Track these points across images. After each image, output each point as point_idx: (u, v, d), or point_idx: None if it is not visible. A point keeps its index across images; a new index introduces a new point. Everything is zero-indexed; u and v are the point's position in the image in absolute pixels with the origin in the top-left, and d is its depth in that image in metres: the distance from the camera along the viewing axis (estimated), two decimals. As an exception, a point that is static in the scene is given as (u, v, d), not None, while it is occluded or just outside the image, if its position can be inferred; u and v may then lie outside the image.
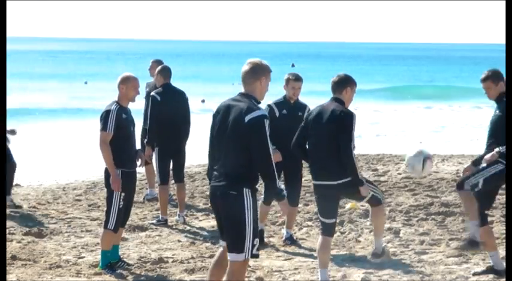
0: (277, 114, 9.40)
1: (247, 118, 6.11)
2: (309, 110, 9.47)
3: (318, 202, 7.79)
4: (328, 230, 7.74)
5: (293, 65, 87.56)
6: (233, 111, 6.24)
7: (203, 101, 38.90)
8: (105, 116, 8.13)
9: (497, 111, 8.21)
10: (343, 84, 7.76)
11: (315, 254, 9.16)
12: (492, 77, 8.23)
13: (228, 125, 6.23)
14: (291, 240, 9.69)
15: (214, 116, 6.38)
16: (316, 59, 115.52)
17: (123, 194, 8.22)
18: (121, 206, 8.24)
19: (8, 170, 11.34)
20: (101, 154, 8.20)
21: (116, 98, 8.32)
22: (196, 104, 43.09)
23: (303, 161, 9.47)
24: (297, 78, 9.44)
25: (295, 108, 9.46)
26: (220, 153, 6.25)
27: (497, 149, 8.02)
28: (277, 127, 9.38)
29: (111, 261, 8.40)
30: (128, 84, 8.27)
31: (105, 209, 11.81)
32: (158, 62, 12.25)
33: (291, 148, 7.96)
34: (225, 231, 6.33)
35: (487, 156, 8.10)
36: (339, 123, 7.48)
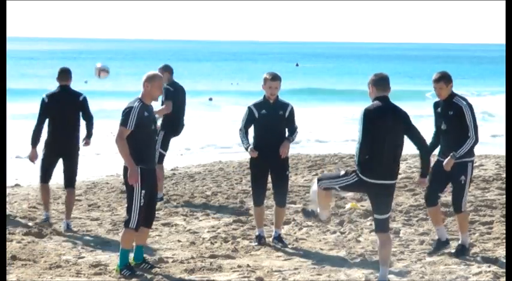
0: (256, 115, 9.41)
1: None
2: (292, 108, 9.50)
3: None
4: (386, 226, 7.86)
5: (297, 65, 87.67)
6: None
7: (210, 99, 38.88)
8: (127, 112, 8.06)
9: (451, 112, 8.87)
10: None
11: (314, 254, 9.19)
12: (445, 78, 8.90)
13: None
14: (278, 239, 9.66)
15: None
16: (320, 59, 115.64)
17: (143, 191, 8.11)
18: (142, 204, 8.13)
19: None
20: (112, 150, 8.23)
21: (139, 95, 8.25)
22: (203, 102, 43.30)
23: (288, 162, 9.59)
24: (274, 78, 9.38)
25: (276, 107, 9.44)
26: None
27: (453, 154, 8.80)
28: (258, 127, 9.42)
29: (136, 262, 8.38)
30: (153, 83, 8.20)
31: (105, 209, 11.92)
32: (165, 68, 12.44)
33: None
34: None
35: (445, 163, 8.88)
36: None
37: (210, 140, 22.63)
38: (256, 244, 9.60)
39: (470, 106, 8.88)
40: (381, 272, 7.87)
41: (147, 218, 8.34)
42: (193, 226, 10.80)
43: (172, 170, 16.18)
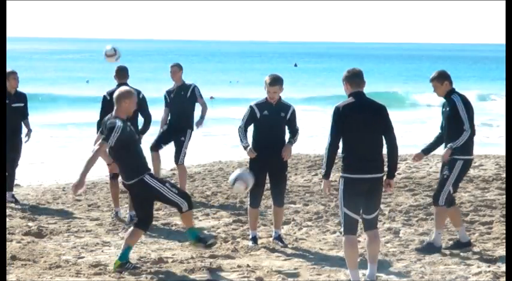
0: (258, 115, 9.40)
1: None
2: (293, 110, 9.49)
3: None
4: (374, 223, 7.77)
5: (296, 65, 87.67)
6: None
7: (212, 97, 38.86)
8: (110, 128, 8.16)
9: (447, 108, 9.01)
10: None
11: (314, 254, 9.18)
12: (438, 77, 9.04)
13: None
14: (278, 240, 9.67)
15: None
16: (319, 59, 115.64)
17: None
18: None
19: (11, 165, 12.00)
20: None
21: (113, 112, 8.33)
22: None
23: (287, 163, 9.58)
24: (273, 83, 9.34)
25: (277, 108, 9.44)
26: None
27: (450, 145, 8.90)
28: (259, 127, 9.43)
29: (121, 261, 8.41)
30: (132, 99, 8.36)
31: (105, 209, 11.92)
32: (177, 66, 12.53)
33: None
34: None
35: (443, 153, 8.98)
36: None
37: (210, 140, 22.65)
38: (253, 244, 9.60)
39: (464, 101, 8.99)
40: (369, 270, 7.79)
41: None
42: (193, 226, 10.79)
43: (172, 170, 16.17)
